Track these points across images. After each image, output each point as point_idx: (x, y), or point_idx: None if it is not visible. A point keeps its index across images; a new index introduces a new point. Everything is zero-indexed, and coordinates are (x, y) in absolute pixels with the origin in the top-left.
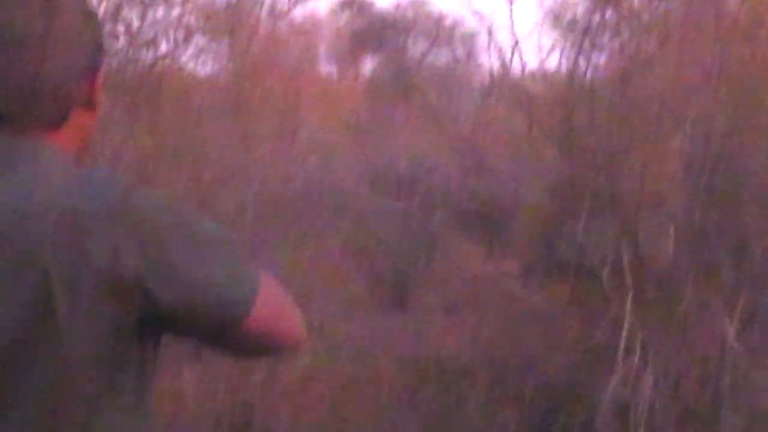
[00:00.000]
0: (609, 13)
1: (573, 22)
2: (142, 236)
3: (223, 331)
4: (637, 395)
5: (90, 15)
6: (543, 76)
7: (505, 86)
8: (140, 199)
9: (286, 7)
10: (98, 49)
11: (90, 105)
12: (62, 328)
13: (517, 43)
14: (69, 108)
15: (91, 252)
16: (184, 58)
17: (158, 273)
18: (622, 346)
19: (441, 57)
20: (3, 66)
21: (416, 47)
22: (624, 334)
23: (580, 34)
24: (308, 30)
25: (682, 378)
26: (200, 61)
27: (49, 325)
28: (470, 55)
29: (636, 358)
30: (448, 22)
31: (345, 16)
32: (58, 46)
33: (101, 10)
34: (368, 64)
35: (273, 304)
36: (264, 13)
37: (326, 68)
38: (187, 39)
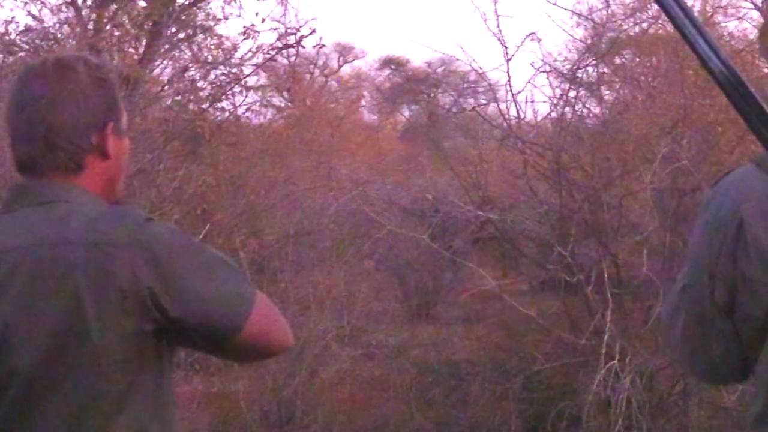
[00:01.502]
0: (590, 70)
1: (560, 76)
2: (155, 260)
3: (223, 340)
4: (616, 392)
5: (102, 80)
6: (535, 123)
7: (506, 133)
8: (154, 230)
9: (336, 65)
10: (109, 108)
11: (103, 154)
12: (93, 336)
13: (514, 96)
14: (82, 156)
15: (114, 274)
16: (241, 110)
17: (169, 290)
18: (603, 350)
19: (466, 106)
20: (22, 122)
21: (445, 99)
22: (605, 340)
23: (566, 87)
24: (354, 85)
25: (655, 377)
26: (255, 112)
27: (82, 335)
28: (487, 104)
29: (615, 361)
30: (472, 77)
31: (385, 72)
32: (65, 105)
33: (169, 71)
34: (404, 114)
35: (265, 316)
36: (316, 72)
37: (368, 117)
38: (244, 94)
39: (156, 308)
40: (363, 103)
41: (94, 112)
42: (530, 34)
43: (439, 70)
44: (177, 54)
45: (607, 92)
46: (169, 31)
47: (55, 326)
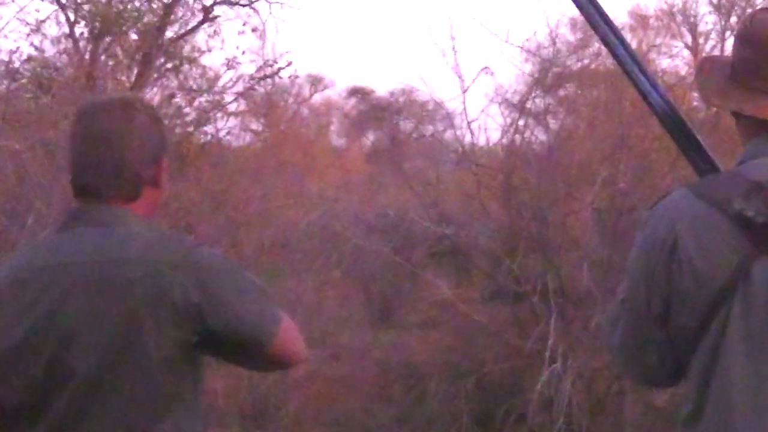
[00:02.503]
0: (538, 101)
1: (511, 106)
2: (203, 280)
3: (254, 353)
4: (558, 392)
5: (157, 119)
6: (488, 148)
7: (461, 157)
8: (201, 254)
9: (307, 94)
10: (163, 143)
11: (156, 184)
12: (148, 346)
13: (469, 123)
14: (142, 186)
15: (169, 291)
16: (222, 133)
17: (212, 307)
18: (547, 354)
19: (425, 132)
20: (95, 155)
21: (406, 125)
22: (549, 345)
23: (516, 116)
24: (323, 112)
25: (594, 379)
26: (235, 135)
27: (138, 344)
28: (445, 131)
29: (558, 364)
30: (431, 106)
31: (352, 101)
32: (134, 141)
33: (158, 98)
34: (369, 138)
35: (289, 334)
36: (290, 99)
37: (336, 141)
38: (225, 119)
39: (201, 322)
40: (332, 128)
41: (154, 148)
42: (484, 68)
43: (401, 99)
44: (165, 82)
45: (553, 121)
46: (158, 62)
47: (114, 335)
